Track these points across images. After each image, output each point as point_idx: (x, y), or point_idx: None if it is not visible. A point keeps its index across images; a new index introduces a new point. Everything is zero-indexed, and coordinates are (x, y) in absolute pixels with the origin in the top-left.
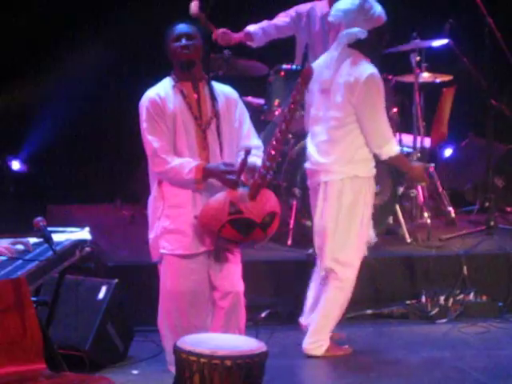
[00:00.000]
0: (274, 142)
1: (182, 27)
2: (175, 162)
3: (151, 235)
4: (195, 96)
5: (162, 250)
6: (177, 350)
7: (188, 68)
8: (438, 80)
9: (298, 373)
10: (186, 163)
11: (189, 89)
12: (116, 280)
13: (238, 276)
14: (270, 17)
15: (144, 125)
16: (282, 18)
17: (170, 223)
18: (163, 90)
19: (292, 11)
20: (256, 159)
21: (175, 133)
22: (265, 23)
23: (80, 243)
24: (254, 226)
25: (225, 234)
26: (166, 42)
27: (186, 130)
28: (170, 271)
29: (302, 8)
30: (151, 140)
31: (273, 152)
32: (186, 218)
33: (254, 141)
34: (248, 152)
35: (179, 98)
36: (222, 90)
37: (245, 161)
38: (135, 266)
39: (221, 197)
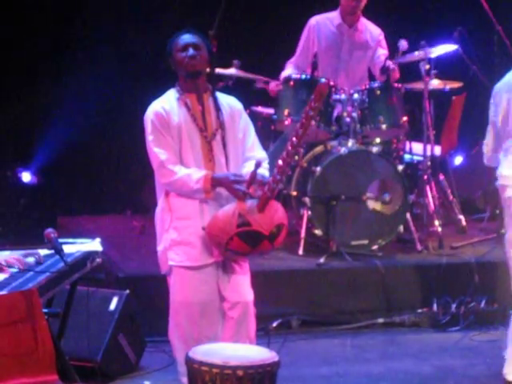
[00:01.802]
0: (285, 156)
1: (187, 37)
2: (182, 172)
3: (160, 248)
4: (200, 108)
5: (170, 262)
6: (189, 361)
7: (194, 78)
8: (447, 87)
9: (310, 383)
10: (194, 173)
11: (193, 100)
12: (127, 291)
13: (246, 286)
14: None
15: (150, 137)
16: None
17: (178, 235)
18: (168, 102)
19: (307, 29)
20: (263, 171)
21: (181, 145)
22: (292, 64)
23: (91, 254)
24: (262, 238)
25: (232, 246)
26: (171, 52)
27: (191, 142)
28: (180, 283)
29: (313, 20)
30: (157, 152)
31: (283, 165)
32: (194, 230)
33: (259, 152)
34: (258, 165)
35: (184, 110)
36: (227, 100)
37: (255, 173)
38: (146, 277)
39: (229, 209)
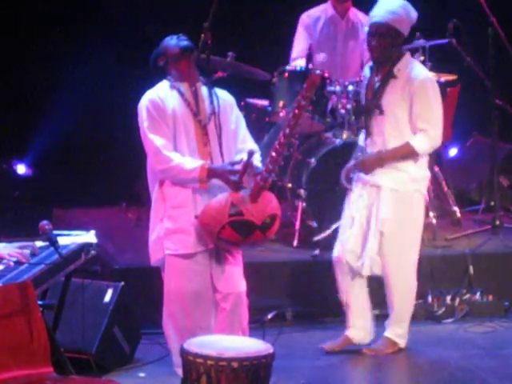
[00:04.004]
0: (277, 146)
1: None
2: (179, 159)
3: (152, 237)
4: (193, 94)
5: (166, 251)
6: (183, 352)
7: (189, 54)
8: (442, 79)
9: (305, 374)
10: (191, 161)
11: (186, 87)
12: (122, 283)
13: (238, 277)
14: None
15: (145, 124)
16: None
17: (173, 224)
18: (161, 90)
19: (302, 25)
20: (255, 162)
21: (175, 131)
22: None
23: (86, 246)
24: (254, 228)
25: (224, 235)
26: (162, 48)
27: (185, 128)
28: (174, 273)
29: (305, 16)
30: (153, 138)
31: (276, 155)
32: (187, 218)
33: (251, 145)
34: (251, 154)
35: (177, 96)
36: (219, 93)
37: (247, 163)
38: (141, 269)
39: (222, 198)
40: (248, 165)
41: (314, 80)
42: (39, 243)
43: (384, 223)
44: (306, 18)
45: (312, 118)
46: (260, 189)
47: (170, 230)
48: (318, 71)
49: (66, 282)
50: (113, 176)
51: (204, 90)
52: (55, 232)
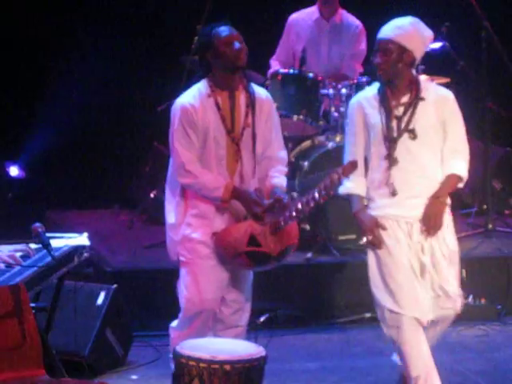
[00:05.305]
0: (305, 201)
1: (230, 29)
2: (203, 176)
3: (170, 234)
4: (230, 106)
5: (181, 258)
6: (176, 355)
7: (236, 72)
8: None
9: (297, 377)
10: (215, 180)
11: (224, 98)
12: (115, 285)
13: (248, 288)
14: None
15: (174, 134)
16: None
17: (191, 232)
18: (198, 99)
19: (287, 28)
20: (281, 181)
21: (205, 144)
22: (277, 61)
23: (78, 249)
24: (270, 258)
25: (239, 261)
26: (211, 45)
27: (216, 144)
28: (190, 280)
29: (291, 18)
30: (180, 151)
31: (302, 208)
32: (206, 230)
33: (281, 153)
34: (279, 200)
35: (214, 109)
36: (259, 92)
37: (274, 205)
38: (134, 271)
39: (243, 226)
40: (274, 206)
41: (352, 168)
42: (32, 246)
43: (455, 254)
44: (291, 19)
45: (305, 122)
46: (280, 227)
47: (187, 237)
48: (310, 74)
49: (59, 284)
50: (106, 178)
51: (243, 98)
52: (48, 234)
